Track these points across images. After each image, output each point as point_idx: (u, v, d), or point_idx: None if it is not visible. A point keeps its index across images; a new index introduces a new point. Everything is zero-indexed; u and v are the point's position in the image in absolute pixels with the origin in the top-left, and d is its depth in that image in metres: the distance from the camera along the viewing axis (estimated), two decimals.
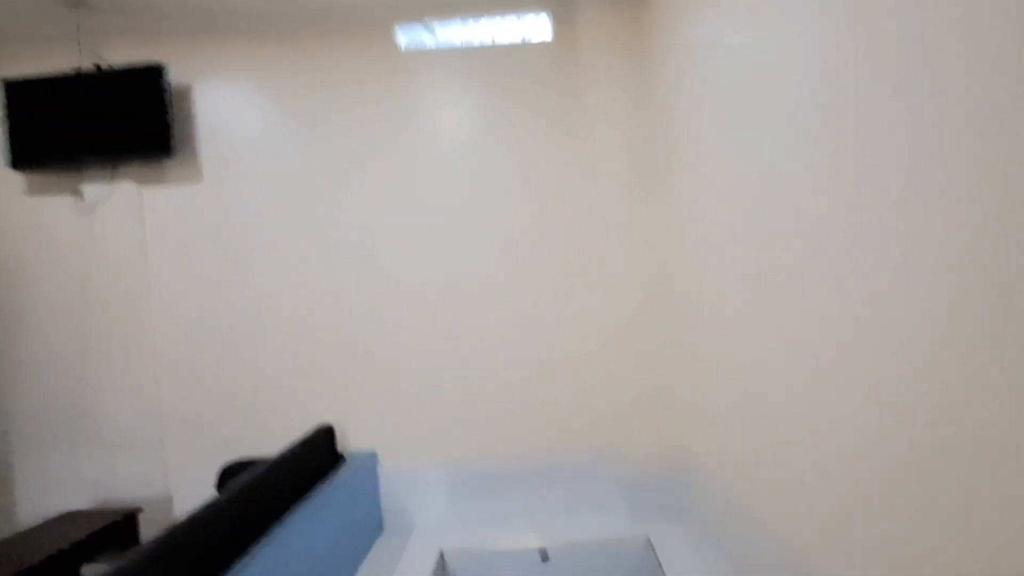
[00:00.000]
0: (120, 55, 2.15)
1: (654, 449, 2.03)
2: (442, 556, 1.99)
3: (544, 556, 1.99)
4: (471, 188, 2.22)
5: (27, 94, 2.12)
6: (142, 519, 2.11)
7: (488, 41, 2.19)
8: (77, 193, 2.23)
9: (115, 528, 1.99)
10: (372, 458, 2.19)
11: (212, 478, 2.16)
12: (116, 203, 2.23)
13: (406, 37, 2.18)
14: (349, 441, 2.20)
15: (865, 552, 0.99)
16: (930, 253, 0.79)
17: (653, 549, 1.86)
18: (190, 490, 2.15)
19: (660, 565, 1.76)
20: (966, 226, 0.73)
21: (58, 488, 2.20)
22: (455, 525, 2.17)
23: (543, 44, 2.21)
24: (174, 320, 2.23)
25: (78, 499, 2.20)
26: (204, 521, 1.31)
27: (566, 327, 2.21)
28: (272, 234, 2.23)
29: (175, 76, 2.17)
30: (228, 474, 2.18)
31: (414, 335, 2.21)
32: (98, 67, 2.12)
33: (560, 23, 2.19)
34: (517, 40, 2.20)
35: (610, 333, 2.13)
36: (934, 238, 0.78)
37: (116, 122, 2.12)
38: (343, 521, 1.87)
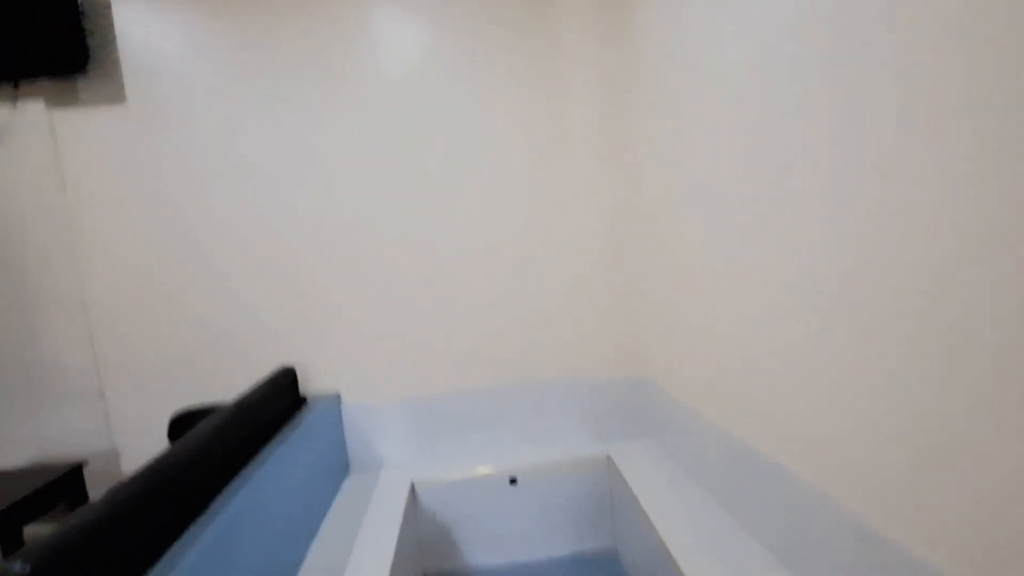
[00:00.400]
0: None
1: (615, 378, 2.14)
2: (413, 488, 2.03)
3: (512, 479, 2.08)
4: (432, 117, 2.11)
5: None
6: (86, 475, 1.98)
7: None
8: None
9: (58, 485, 1.85)
10: (335, 399, 2.16)
11: (162, 428, 2.05)
12: (22, 128, 1.94)
13: None
14: (310, 383, 2.14)
15: (805, 442, 1.11)
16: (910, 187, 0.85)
17: (615, 465, 2.00)
18: (139, 442, 2.04)
19: (622, 476, 1.90)
20: (958, 157, 0.78)
21: None
22: (423, 459, 2.21)
23: None
24: (106, 259, 2.02)
25: (11, 457, 2.01)
26: (163, 472, 1.23)
27: (529, 263, 2.22)
28: (212, 161, 2.03)
29: None
30: (179, 423, 2.08)
31: (371, 272, 2.14)
32: None
33: None
34: None
35: (573, 268, 2.18)
36: (918, 168, 0.84)
37: (17, 30, 1.81)
38: (310, 464, 1.85)
